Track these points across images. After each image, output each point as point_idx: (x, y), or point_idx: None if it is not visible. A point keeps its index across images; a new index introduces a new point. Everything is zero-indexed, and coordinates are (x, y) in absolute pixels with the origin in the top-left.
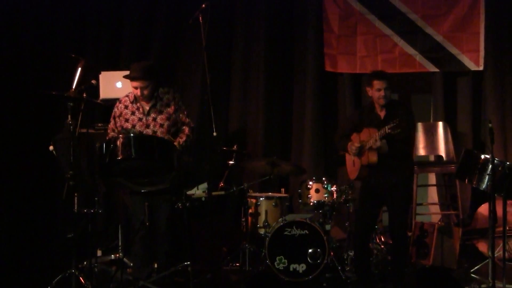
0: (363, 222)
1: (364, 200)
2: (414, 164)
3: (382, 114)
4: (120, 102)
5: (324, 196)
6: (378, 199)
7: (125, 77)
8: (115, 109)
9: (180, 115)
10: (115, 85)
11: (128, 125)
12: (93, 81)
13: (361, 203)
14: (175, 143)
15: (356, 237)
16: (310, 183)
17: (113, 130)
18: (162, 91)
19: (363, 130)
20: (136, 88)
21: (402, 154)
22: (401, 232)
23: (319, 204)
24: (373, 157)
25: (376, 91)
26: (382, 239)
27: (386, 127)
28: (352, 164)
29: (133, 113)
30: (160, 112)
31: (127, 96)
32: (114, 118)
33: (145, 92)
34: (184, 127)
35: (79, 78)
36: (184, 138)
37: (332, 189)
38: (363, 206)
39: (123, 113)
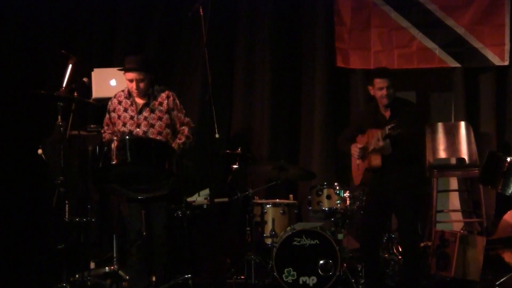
0: (368, 231)
1: (370, 206)
2: (425, 167)
3: (387, 114)
4: (114, 97)
5: (336, 203)
6: (385, 206)
7: (120, 69)
8: (109, 103)
9: (179, 114)
10: (109, 83)
11: (120, 122)
12: (85, 79)
13: (365, 211)
14: (174, 145)
15: (362, 247)
16: (321, 188)
17: (107, 125)
18: (157, 89)
19: (367, 130)
20: (131, 81)
21: (408, 157)
22: (411, 242)
23: (331, 212)
24: (376, 160)
25: (378, 90)
26: (400, 249)
27: (386, 127)
28: (356, 168)
29: (125, 110)
30: (152, 111)
31: (122, 91)
32: (109, 112)
33: (141, 85)
34: (183, 128)
35: (70, 76)
36: (183, 139)
37: (344, 195)
38: (367, 213)
39: (117, 109)
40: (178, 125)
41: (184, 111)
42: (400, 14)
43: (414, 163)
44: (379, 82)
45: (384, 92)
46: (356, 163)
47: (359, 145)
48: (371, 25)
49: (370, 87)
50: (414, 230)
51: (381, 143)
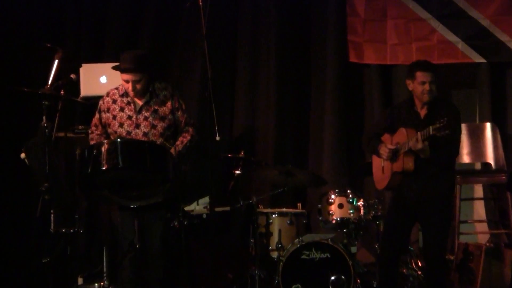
0: (392, 242)
1: (394, 214)
2: (455, 174)
3: (422, 112)
4: (107, 95)
5: (349, 212)
6: (411, 215)
7: (115, 68)
8: (101, 102)
9: (184, 115)
10: (99, 80)
11: (116, 123)
12: (73, 76)
13: (390, 218)
14: (178, 146)
15: (381, 260)
16: (332, 196)
17: (95, 126)
18: (158, 87)
19: (398, 130)
20: (127, 81)
21: (445, 162)
22: (438, 256)
23: (343, 222)
24: (410, 163)
25: (420, 85)
26: (419, 264)
27: (431, 127)
28: (381, 171)
29: (122, 109)
30: (154, 111)
31: (116, 88)
32: (100, 112)
33: (138, 86)
34: (187, 128)
35: (56, 72)
36: (188, 138)
37: (358, 203)
38: (393, 221)
39: (111, 109)
40: (182, 125)
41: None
42: (419, 4)
43: (448, 169)
44: (422, 75)
45: (426, 87)
46: (381, 165)
47: (390, 146)
48: (387, 16)
49: (409, 81)
50: (443, 243)
51: (420, 145)
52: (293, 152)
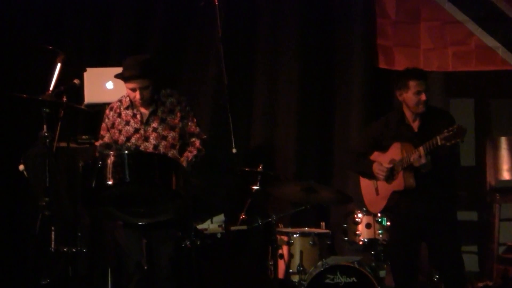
0: (403, 267)
1: (399, 237)
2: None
3: (415, 125)
4: (111, 110)
5: (377, 233)
6: (416, 235)
7: (117, 76)
8: (106, 120)
9: (189, 123)
10: (104, 85)
11: (123, 138)
12: (76, 81)
13: (394, 242)
14: (183, 162)
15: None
16: (359, 215)
17: (108, 147)
18: (164, 94)
19: (391, 146)
20: (133, 90)
21: (448, 176)
22: (459, 275)
23: (371, 243)
24: (411, 179)
25: (414, 95)
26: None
27: (438, 137)
28: (373, 193)
29: (127, 123)
30: (163, 121)
31: (119, 101)
32: (108, 130)
33: (146, 94)
34: (193, 140)
35: (58, 77)
36: (194, 153)
37: (387, 223)
38: (399, 246)
39: (116, 123)
40: (187, 136)
41: (195, 120)
42: (455, 6)
43: (451, 184)
44: (417, 84)
45: (422, 97)
46: (374, 186)
47: (387, 165)
48: (421, 17)
49: (400, 91)
50: (461, 260)
51: (423, 160)
52: (316, 167)
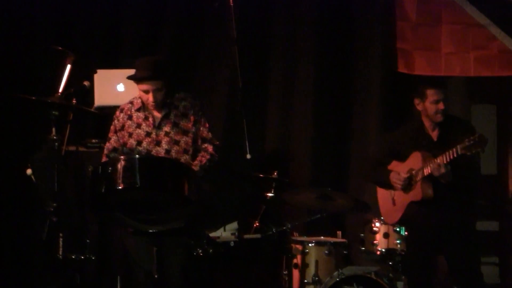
0: (419, 280)
1: (416, 249)
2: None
3: (434, 134)
4: (121, 111)
5: (395, 243)
6: (432, 246)
7: (130, 78)
8: (115, 121)
9: (201, 128)
10: (115, 88)
11: (133, 142)
12: (86, 83)
13: (411, 254)
14: (195, 167)
15: None
16: (377, 224)
17: (115, 150)
18: (177, 97)
19: (411, 155)
20: (146, 92)
21: (467, 186)
22: (479, 286)
23: (389, 254)
24: (429, 190)
25: (432, 104)
26: None
27: (459, 146)
28: (390, 203)
29: (138, 126)
30: (175, 125)
31: (131, 102)
32: (116, 132)
33: (159, 96)
34: (205, 145)
35: (67, 79)
36: (208, 157)
37: (405, 233)
38: (415, 258)
39: (126, 126)
40: (199, 142)
41: (207, 125)
42: (477, 9)
43: (470, 195)
44: (434, 93)
45: (440, 106)
46: (391, 196)
47: (404, 174)
48: (442, 20)
49: (417, 100)
50: (480, 272)
51: (443, 169)
52: (333, 173)
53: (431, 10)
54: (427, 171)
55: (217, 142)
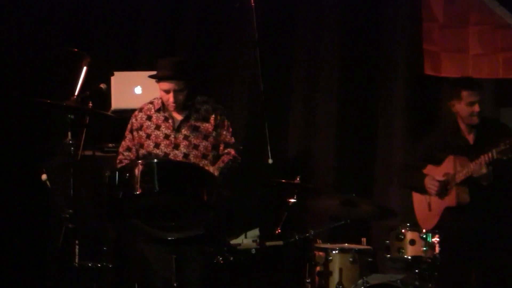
0: None
1: (450, 258)
2: None
3: (471, 137)
4: (140, 111)
5: (421, 250)
6: (468, 256)
7: (152, 76)
8: (133, 120)
9: (224, 133)
10: (133, 90)
11: (150, 144)
12: (102, 86)
13: (445, 265)
14: (214, 171)
15: None
16: (403, 231)
17: (128, 149)
18: (199, 100)
19: (446, 159)
20: (167, 92)
21: (507, 191)
22: None
23: (415, 261)
24: (465, 195)
25: (468, 106)
26: None
27: (494, 150)
28: (426, 208)
29: (157, 127)
30: (195, 129)
31: (151, 103)
32: (132, 132)
33: (180, 97)
34: (228, 150)
35: (83, 81)
36: (230, 157)
37: (433, 240)
38: (449, 268)
39: (144, 126)
40: (221, 147)
41: (231, 130)
42: (507, 9)
43: (509, 200)
44: (470, 95)
45: (476, 108)
46: (426, 201)
47: (439, 178)
48: (470, 21)
49: (453, 102)
50: None
51: (485, 170)
52: (357, 179)
53: (458, 11)
54: (463, 175)
55: (241, 147)
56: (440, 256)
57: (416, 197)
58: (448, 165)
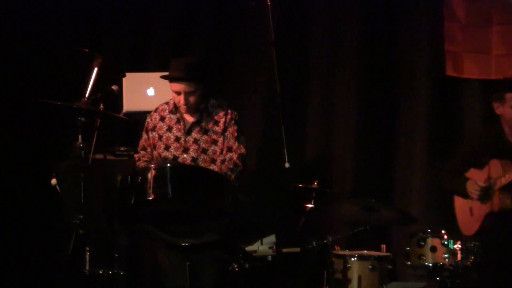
0: None
1: (490, 267)
2: None
3: None
4: (155, 111)
5: (443, 257)
6: (510, 264)
7: (164, 77)
8: (148, 119)
9: (228, 136)
10: (145, 92)
11: (161, 145)
12: (114, 87)
13: (484, 273)
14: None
15: None
16: (423, 237)
17: (144, 149)
18: (212, 104)
19: (489, 163)
20: (178, 93)
21: None
22: None
23: (436, 268)
24: (507, 200)
25: (511, 109)
26: None
27: None
28: (468, 213)
29: (169, 129)
30: (205, 132)
31: (166, 103)
32: (147, 132)
33: (191, 99)
34: (230, 155)
35: (95, 83)
36: (230, 166)
37: (454, 246)
38: (489, 277)
39: (157, 127)
40: (224, 151)
41: (236, 134)
42: None
43: None
44: None
45: None
46: (468, 206)
47: (481, 183)
48: (493, 21)
49: (496, 104)
50: None
51: None
52: (376, 184)
53: (481, 10)
54: (505, 179)
55: (243, 151)
56: (480, 264)
57: (458, 202)
58: (491, 169)
